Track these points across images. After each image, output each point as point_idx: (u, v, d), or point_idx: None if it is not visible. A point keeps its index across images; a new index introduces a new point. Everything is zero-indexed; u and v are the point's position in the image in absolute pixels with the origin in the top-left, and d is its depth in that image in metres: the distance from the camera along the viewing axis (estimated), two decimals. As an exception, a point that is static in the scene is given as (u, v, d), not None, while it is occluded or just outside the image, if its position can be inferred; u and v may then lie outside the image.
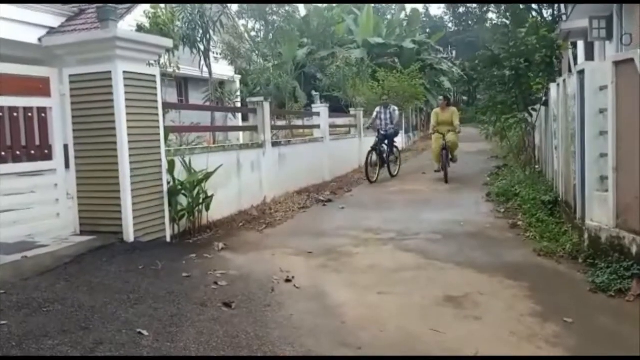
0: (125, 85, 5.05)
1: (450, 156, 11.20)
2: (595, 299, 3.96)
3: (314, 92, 19.45)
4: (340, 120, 15.13)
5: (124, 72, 5.04)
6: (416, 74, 21.66)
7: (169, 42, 5.73)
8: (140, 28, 7.84)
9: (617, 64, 4.59)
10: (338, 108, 18.87)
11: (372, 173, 11.18)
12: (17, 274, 3.96)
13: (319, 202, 8.64)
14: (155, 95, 5.47)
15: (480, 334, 3.41)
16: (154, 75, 5.48)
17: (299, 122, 14.05)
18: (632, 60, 4.39)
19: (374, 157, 11.46)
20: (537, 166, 9.93)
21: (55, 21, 12.38)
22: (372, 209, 8.09)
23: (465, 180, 10.94)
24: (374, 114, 12.14)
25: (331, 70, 19.38)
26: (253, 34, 18.01)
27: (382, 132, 11.74)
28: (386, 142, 11.80)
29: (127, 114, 5.06)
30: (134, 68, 5.18)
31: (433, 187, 10.25)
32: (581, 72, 5.22)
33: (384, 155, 11.69)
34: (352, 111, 15.85)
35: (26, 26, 11.10)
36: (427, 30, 47.50)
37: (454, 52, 49.18)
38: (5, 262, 4.17)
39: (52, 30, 12.02)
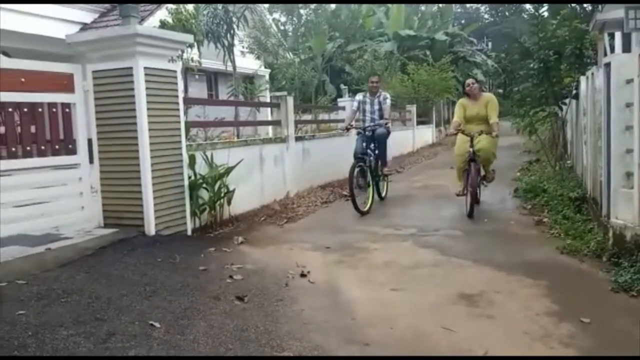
0: (146, 81, 5.13)
1: (482, 174, 7.42)
2: (616, 299, 3.84)
3: (342, 86, 19.40)
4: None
5: (145, 67, 5.12)
6: (448, 66, 21.35)
7: (189, 38, 5.79)
8: (163, 24, 7.96)
9: (644, 56, 4.43)
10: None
11: (361, 199, 7.24)
12: (40, 266, 4.08)
13: (342, 197, 8.62)
14: (176, 90, 5.54)
15: (492, 333, 3.35)
16: (175, 71, 5.55)
17: (325, 116, 14.04)
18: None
19: (360, 173, 7.54)
20: (568, 161, 9.67)
21: (88, 17, 12.68)
22: (394, 204, 8.02)
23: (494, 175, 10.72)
24: (355, 103, 8.30)
25: (359, 64, 19.27)
26: (282, 28, 18.08)
27: (367, 132, 7.83)
28: (373, 146, 7.85)
29: (148, 109, 5.14)
30: (155, 64, 5.26)
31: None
32: (607, 65, 5.04)
33: (370, 169, 7.58)
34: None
35: (61, 23, 11.40)
36: (462, 21, 46.67)
37: (489, 44, 48.22)
38: (29, 253, 4.31)
39: (85, 26, 12.31)
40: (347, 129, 8.40)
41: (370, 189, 7.54)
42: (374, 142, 7.85)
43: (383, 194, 8.24)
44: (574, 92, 8.47)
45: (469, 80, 7.49)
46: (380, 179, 8.04)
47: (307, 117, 14.06)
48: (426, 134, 20.24)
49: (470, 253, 5.13)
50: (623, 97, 4.70)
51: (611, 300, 3.82)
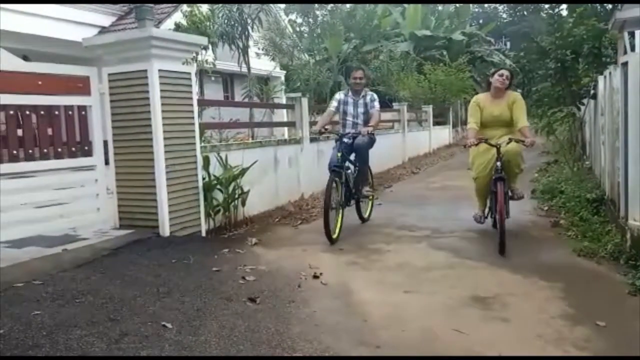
0: (161, 83, 5.18)
1: (508, 190, 5.83)
2: (633, 302, 3.78)
3: (358, 87, 19.28)
4: (382, 115, 14.93)
5: (160, 70, 5.17)
6: (464, 66, 21.19)
7: (203, 40, 5.84)
8: (177, 27, 8.03)
9: (662, 54, 4.35)
10: (382, 102, 18.72)
11: (334, 222, 5.82)
12: (56, 266, 4.14)
13: (357, 198, 8.61)
14: (190, 92, 5.58)
15: (505, 336, 3.32)
16: (189, 73, 5.59)
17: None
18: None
19: (336, 190, 5.97)
20: (586, 162, 9.53)
21: (106, 21, 12.85)
22: (409, 205, 7.99)
23: (510, 176, 10.60)
24: (333, 103, 6.62)
25: (375, 64, 19.22)
26: (298, 29, 18.12)
27: (347, 139, 6.31)
28: (353, 158, 6.46)
29: (163, 111, 5.19)
30: (169, 66, 5.30)
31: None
32: (625, 65, 4.97)
33: (346, 186, 6.19)
34: (395, 105, 15.67)
35: (80, 26, 11.56)
36: (480, 21, 46.30)
37: (507, 44, 47.74)
38: (46, 254, 4.38)
39: (103, 30, 12.48)
40: (320, 133, 6.49)
41: (341, 213, 5.96)
42: (354, 152, 6.35)
43: (366, 215, 6.75)
44: (592, 92, 8.35)
45: (502, 71, 5.87)
46: (361, 197, 6.54)
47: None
48: (443, 135, 20.11)
49: (485, 255, 5.08)
50: (640, 97, 4.62)
51: (628, 304, 3.76)
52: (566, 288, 4.09)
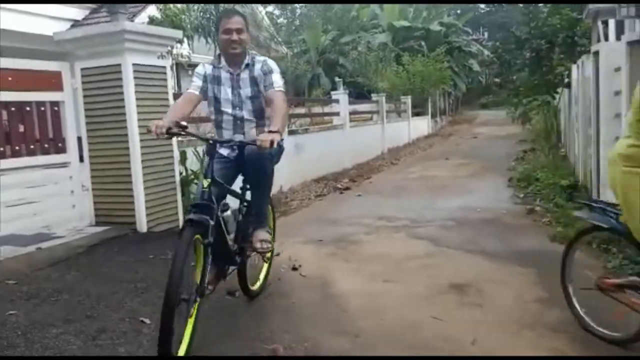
0: (135, 78, 5.11)
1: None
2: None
3: (337, 79, 19.39)
4: (361, 107, 15.02)
5: (134, 64, 5.10)
6: (442, 57, 21.32)
7: (178, 33, 5.77)
8: (152, 20, 7.93)
9: (630, 44, 4.43)
10: (361, 94, 18.78)
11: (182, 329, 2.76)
12: (31, 265, 4.09)
13: (336, 190, 8.63)
14: (166, 86, 5.52)
15: (481, 321, 3.37)
16: (164, 67, 5.53)
17: (319, 110, 13.99)
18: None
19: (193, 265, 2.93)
20: (561, 150, 9.69)
21: (79, 14, 12.60)
22: (388, 196, 8.04)
23: (489, 165, 10.75)
24: (196, 81, 3.50)
25: (353, 56, 19.24)
26: (276, 22, 18.02)
27: (226, 152, 3.47)
28: (241, 185, 3.56)
29: (138, 105, 5.13)
30: (144, 60, 5.23)
31: (454, 173, 10.11)
32: (596, 54, 5.06)
33: (225, 243, 3.25)
34: (374, 97, 15.72)
35: (51, 20, 11.32)
36: (457, 11, 46.55)
37: (485, 34, 48.03)
38: (20, 253, 4.32)
39: (76, 23, 12.24)
40: (167, 135, 3.13)
41: (195, 307, 2.90)
42: (245, 176, 3.51)
43: (256, 285, 3.88)
44: (566, 80, 8.48)
45: None
46: (250, 253, 3.66)
47: (301, 110, 14.05)
48: (422, 125, 20.23)
49: (462, 243, 5.15)
50: (612, 85, 4.72)
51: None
52: (541, 273, 4.16)
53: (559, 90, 9.00)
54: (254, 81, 3.43)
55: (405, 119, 17.82)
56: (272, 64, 3.48)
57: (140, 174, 5.16)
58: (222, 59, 3.49)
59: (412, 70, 19.70)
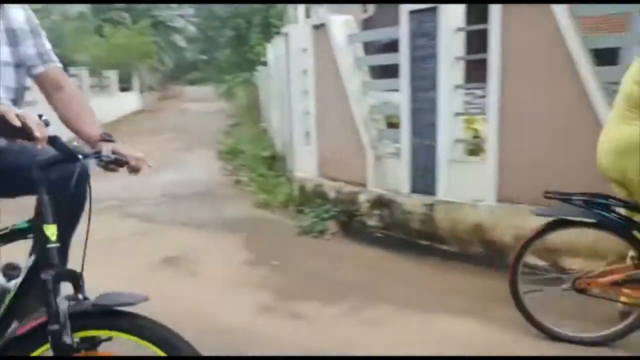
0: None
1: None
2: (300, 241, 4.42)
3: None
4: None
5: None
6: (147, 30, 20.67)
7: None
8: None
9: (315, 27, 5.03)
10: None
11: None
12: None
13: None
14: None
15: (196, 288, 3.48)
16: None
17: None
18: (325, 24, 4.85)
19: None
20: (263, 124, 10.52)
21: None
22: (93, 176, 7.52)
23: (199, 139, 10.98)
24: None
25: (47, 25, 17.17)
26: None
27: None
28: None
29: None
30: None
31: (165, 148, 10.02)
32: (287, 35, 5.61)
33: None
34: (72, 70, 14.33)
35: None
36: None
37: (191, 10, 48.03)
38: None
39: None
40: None
41: None
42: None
43: None
44: (264, 59, 9.19)
45: None
46: None
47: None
48: (130, 101, 19.37)
49: (174, 217, 5.20)
50: (300, 64, 5.30)
51: (297, 243, 4.38)
52: (248, 237, 4.52)
53: (258, 68, 9.71)
54: (14, 41, 1.82)
55: (111, 94, 16.79)
56: (28, 15, 1.88)
57: None
58: None
59: (114, 42, 18.60)
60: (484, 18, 3.58)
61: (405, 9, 3.98)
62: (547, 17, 3.24)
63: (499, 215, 3.57)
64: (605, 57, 3.83)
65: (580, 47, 3.15)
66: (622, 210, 2.39)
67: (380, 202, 4.30)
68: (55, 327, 1.32)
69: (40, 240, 1.46)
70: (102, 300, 1.40)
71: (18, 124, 1.30)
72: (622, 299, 2.49)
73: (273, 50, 7.51)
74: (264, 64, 9.23)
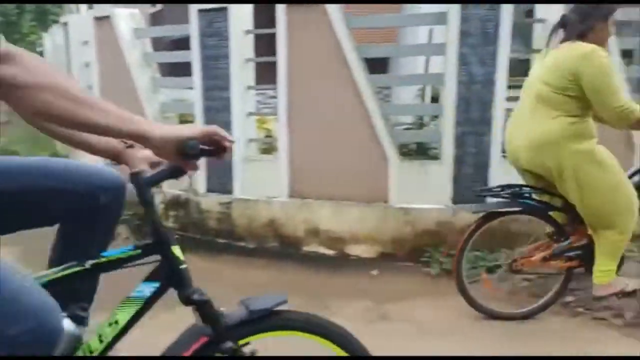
0: None
1: None
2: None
3: None
4: None
5: None
6: None
7: None
8: None
9: (98, 19, 4.69)
10: None
11: None
12: None
13: None
14: None
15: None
16: None
17: None
18: (109, 17, 4.56)
19: None
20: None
21: None
22: None
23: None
24: None
25: None
26: None
27: None
28: None
29: None
30: None
31: None
32: (66, 25, 5.15)
33: None
34: None
35: None
36: None
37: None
38: None
39: None
40: None
41: None
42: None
43: None
44: (39, 49, 8.29)
45: None
46: None
47: None
48: None
49: None
50: (83, 56, 4.91)
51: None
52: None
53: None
54: None
55: None
56: None
57: None
58: None
59: None
60: (274, 21, 3.74)
61: (194, 8, 3.95)
62: (327, 25, 3.52)
63: (291, 211, 3.77)
64: (379, 65, 4.32)
65: (354, 55, 3.49)
66: (535, 196, 2.77)
67: (176, 203, 4.21)
68: (229, 344, 1.31)
69: (169, 263, 1.33)
70: (254, 305, 1.38)
71: (233, 140, 1.18)
72: (552, 271, 2.87)
73: (51, 40, 6.81)
74: (40, 54, 8.30)
